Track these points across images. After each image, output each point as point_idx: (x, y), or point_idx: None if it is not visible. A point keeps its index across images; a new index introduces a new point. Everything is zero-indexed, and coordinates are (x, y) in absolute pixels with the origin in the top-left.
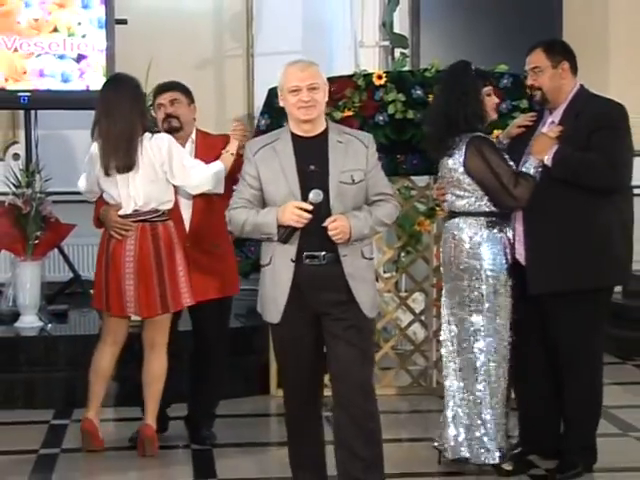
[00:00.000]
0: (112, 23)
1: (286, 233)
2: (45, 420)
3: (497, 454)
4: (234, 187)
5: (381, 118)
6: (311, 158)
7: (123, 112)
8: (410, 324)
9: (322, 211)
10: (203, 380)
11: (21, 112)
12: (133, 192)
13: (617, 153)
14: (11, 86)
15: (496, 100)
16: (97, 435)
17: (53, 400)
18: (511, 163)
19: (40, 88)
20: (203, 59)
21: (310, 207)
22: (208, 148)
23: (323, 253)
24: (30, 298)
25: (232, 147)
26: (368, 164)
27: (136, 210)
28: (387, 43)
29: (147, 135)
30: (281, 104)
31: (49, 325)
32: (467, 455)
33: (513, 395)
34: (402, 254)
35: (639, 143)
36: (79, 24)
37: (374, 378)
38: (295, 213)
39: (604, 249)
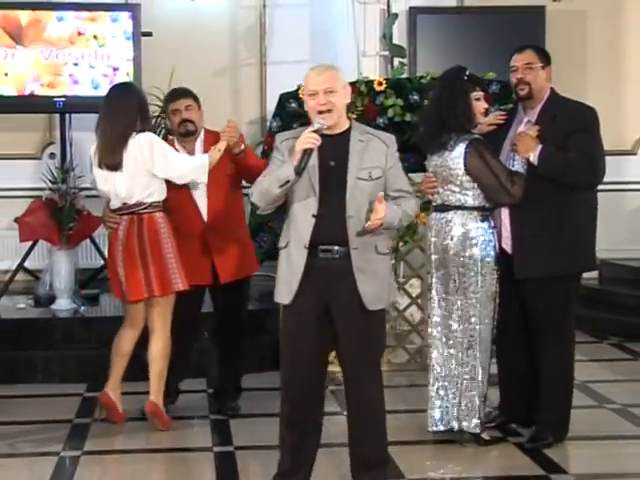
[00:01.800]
0: (138, 35)
1: (305, 160)
2: (79, 393)
3: (477, 425)
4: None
5: (381, 121)
6: (332, 154)
7: (119, 115)
8: (408, 307)
9: (338, 204)
10: (231, 356)
11: (57, 115)
12: (118, 187)
13: (594, 154)
14: (48, 92)
15: (485, 105)
16: (116, 409)
17: (86, 375)
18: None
19: (74, 94)
20: (220, 67)
21: (317, 128)
22: (213, 144)
23: (337, 248)
24: (65, 283)
25: (221, 145)
26: (387, 162)
27: (124, 203)
28: (387, 53)
29: (133, 134)
30: (306, 108)
31: (82, 307)
32: (450, 426)
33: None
34: (400, 244)
35: (615, 144)
36: (109, 36)
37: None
38: (309, 136)
39: (580, 239)
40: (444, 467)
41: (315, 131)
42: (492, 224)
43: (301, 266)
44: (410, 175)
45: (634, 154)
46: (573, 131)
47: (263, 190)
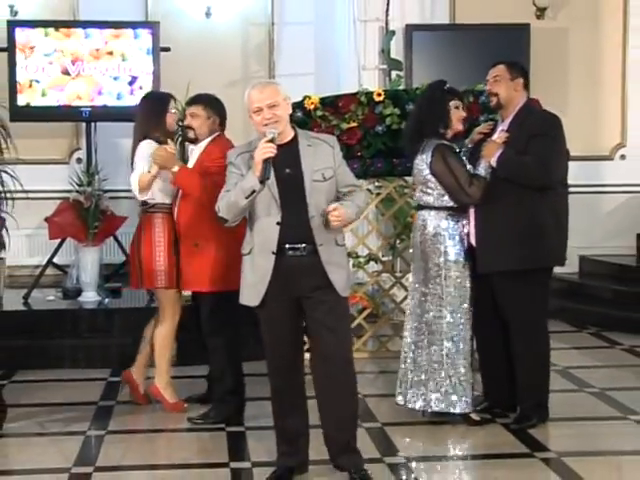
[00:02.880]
0: (158, 50)
1: (267, 169)
2: (103, 377)
3: (465, 406)
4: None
5: (380, 128)
6: (286, 163)
7: (137, 122)
8: (404, 299)
9: (300, 207)
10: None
11: (83, 124)
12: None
13: (548, 156)
14: (75, 102)
15: (463, 114)
16: (137, 390)
17: (109, 361)
18: (469, 167)
19: (99, 104)
20: (233, 80)
21: (271, 137)
22: (207, 154)
23: (303, 245)
24: (90, 277)
25: (153, 169)
26: (335, 162)
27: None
28: (385, 66)
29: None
30: (251, 123)
31: (106, 299)
32: (438, 408)
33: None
34: (397, 241)
35: (594, 150)
36: (131, 52)
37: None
38: (265, 146)
39: (538, 237)
40: (436, 445)
41: (270, 140)
42: (462, 222)
43: (269, 270)
44: (407, 178)
45: (611, 159)
46: (534, 135)
47: (230, 203)
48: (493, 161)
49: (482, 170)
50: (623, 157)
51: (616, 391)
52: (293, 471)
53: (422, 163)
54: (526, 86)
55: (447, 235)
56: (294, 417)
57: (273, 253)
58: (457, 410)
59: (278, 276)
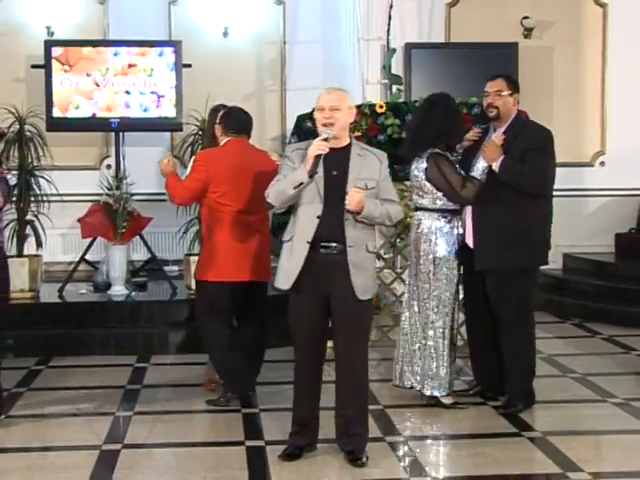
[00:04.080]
0: (180, 67)
1: (316, 165)
2: (130, 363)
3: (442, 390)
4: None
5: (382, 137)
6: (335, 165)
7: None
8: (403, 292)
9: (338, 208)
10: None
11: (112, 134)
12: None
13: (545, 169)
14: (105, 114)
15: None
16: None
17: (136, 348)
18: (461, 171)
19: (126, 116)
20: (248, 93)
21: (326, 137)
22: None
23: (334, 244)
24: (119, 272)
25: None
26: (381, 175)
27: None
28: (386, 81)
29: None
30: (315, 120)
31: (133, 293)
32: (417, 387)
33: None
34: (397, 240)
35: (576, 158)
36: (156, 68)
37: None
38: (320, 144)
39: (530, 239)
40: (432, 425)
41: (324, 140)
42: (453, 224)
43: (302, 258)
44: (406, 182)
45: (592, 166)
46: (530, 148)
47: (279, 191)
48: (495, 166)
49: (478, 173)
50: (603, 164)
51: (596, 376)
52: (302, 449)
53: (417, 170)
54: (518, 100)
55: (439, 234)
56: (309, 401)
57: (308, 242)
58: (434, 392)
59: (310, 269)
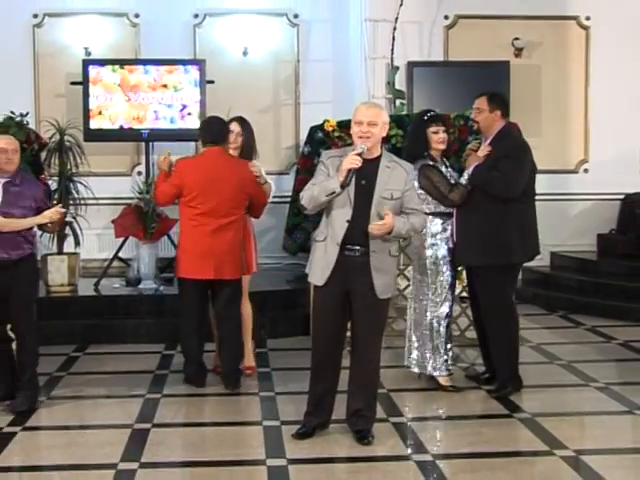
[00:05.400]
0: (204, 83)
1: (350, 177)
2: (159, 351)
3: (441, 371)
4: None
5: (386, 147)
6: (364, 175)
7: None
8: (406, 287)
9: (365, 215)
10: None
11: (143, 143)
12: None
13: (510, 175)
14: (136, 126)
15: (442, 136)
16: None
17: (164, 337)
18: (448, 178)
19: (155, 127)
20: (265, 106)
21: (360, 151)
22: None
23: (358, 247)
24: (148, 269)
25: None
26: (406, 186)
27: None
28: (391, 96)
29: None
30: (351, 132)
31: (161, 287)
32: (417, 370)
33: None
34: (401, 240)
35: (562, 165)
36: (182, 84)
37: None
38: (354, 158)
39: (502, 239)
40: (431, 408)
41: (359, 154)
42: (446, 225)
43: (334, 258)
44: None
45: (576, 173)
46: (502, 156)
47: (312, 196)
48: (468, 173)
49: (464, 179)
50: (586, 171)
51: (580, 363)
52: (315, 428)
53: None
54: (504, 114)
55: (432, 234)
56: (324, 384)
57: (338, 244)
58: (433, 373)
59: (337, 268)
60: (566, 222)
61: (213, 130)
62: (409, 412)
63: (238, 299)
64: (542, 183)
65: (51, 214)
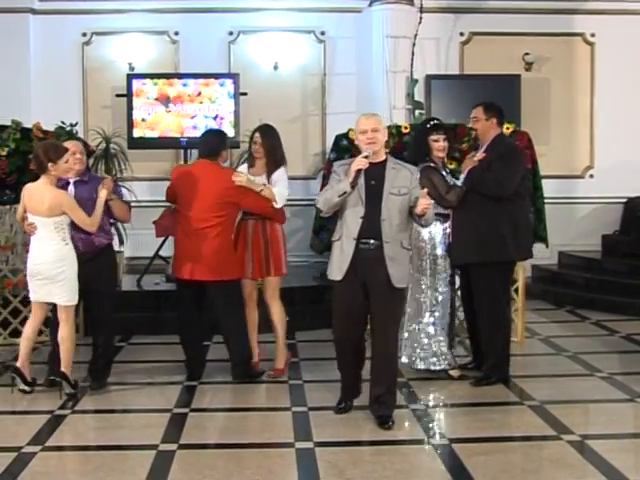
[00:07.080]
0: (238, 95)
1: (357, 177)
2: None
3: (444, 365)
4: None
5: (406, 153)
6: (373, 176)
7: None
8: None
9: (376, 210)
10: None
11: (181, 151)
12: None
13: (502, 175)
14: (176, 135)
15: (442, 144)
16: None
17: None
18: (447, 180)
19: (193, 136)
20: (294, 117)
21: (366, 154)
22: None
23: (372, 241)
24: None
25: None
26: (411, 184)
27: None
28: (410, 107)
29: None
30: (356, 142)
31: None
32: (423, 366)
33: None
34: None
35: (569, 171)
36: (217, 96)
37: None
38: (361, 160)
39: (495, 237)
40: (447, 395)
41: (365, 157)
42: (445, 225)
43: (351, 253)
44: None
45: (582, 178)
46: (495, 159)
47: (327, 199)
48: (463, 175)
49: (460, 181)
50: (592, 176)
51: (586, 354)
52: (349, 402)
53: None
54: (499, 122)
55: (431, 233)
56: (350, 370)
57: (354, 239)
58: (437, 368)
59: (353, 261)
60: (573, 224)
61: (207, 146)
62: (426, 400)
63: (235, 300)
64: (551, 188)
65: (103, 185)
